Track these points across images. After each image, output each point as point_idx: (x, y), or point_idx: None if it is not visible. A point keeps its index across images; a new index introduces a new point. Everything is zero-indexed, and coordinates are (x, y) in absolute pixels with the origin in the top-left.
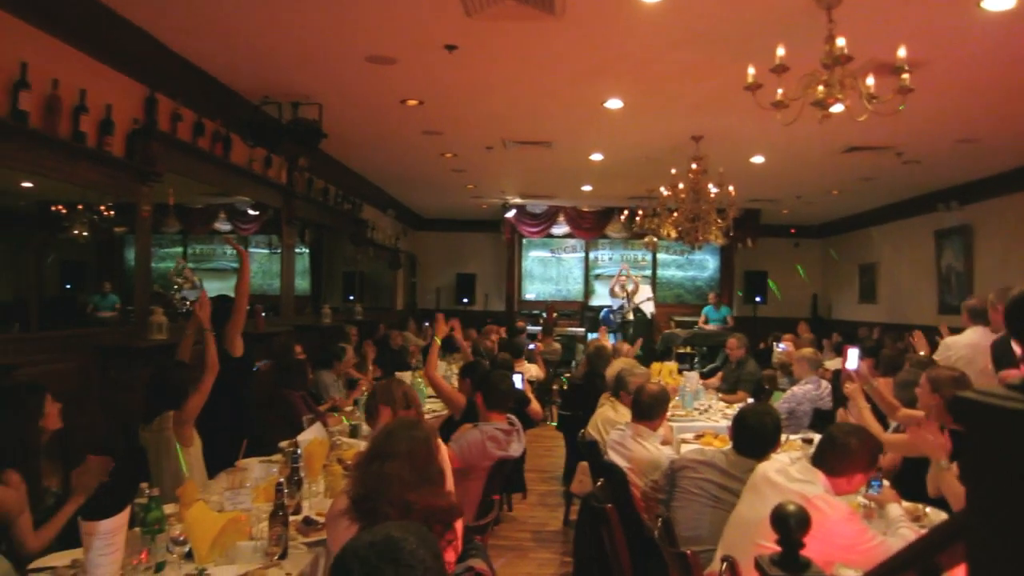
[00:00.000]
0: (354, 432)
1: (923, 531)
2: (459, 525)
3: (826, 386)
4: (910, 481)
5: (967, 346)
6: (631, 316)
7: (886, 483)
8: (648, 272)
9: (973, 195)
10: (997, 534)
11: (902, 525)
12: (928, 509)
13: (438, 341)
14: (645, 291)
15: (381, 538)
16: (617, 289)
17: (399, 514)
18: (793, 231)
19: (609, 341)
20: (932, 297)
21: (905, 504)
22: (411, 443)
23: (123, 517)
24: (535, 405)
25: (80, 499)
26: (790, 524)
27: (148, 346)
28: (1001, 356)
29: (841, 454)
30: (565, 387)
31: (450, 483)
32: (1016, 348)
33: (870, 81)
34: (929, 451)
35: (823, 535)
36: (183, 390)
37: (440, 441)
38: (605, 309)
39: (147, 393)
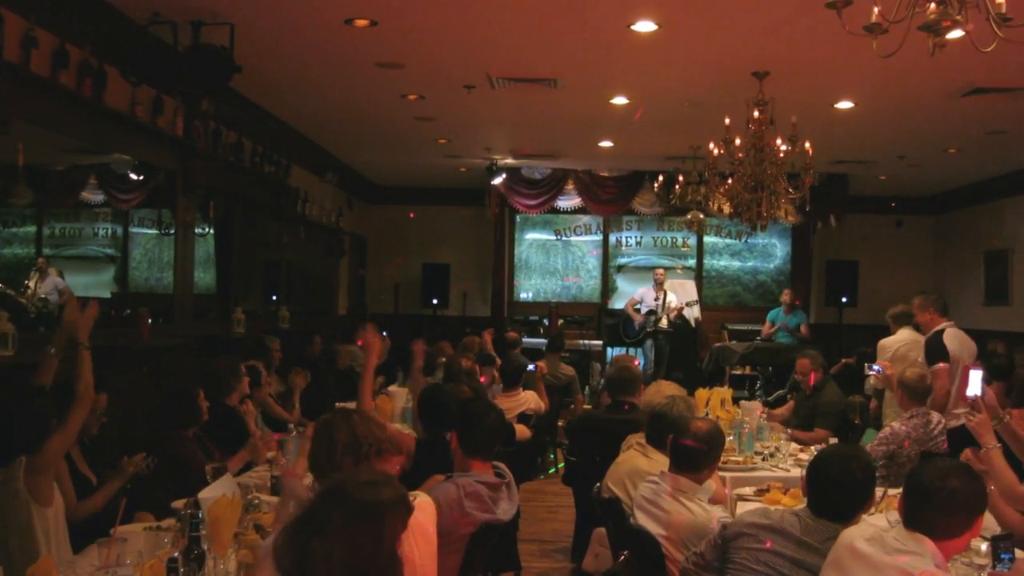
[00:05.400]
0: (277, 487)
1: None
2: None
3: (939, 421)
4: None
5: (901, 343)
6: (664, 324)
7: (1021, 554)
8: (692, 262)
9: None
10: None
11: None
12: None
13: (373, 363)
14: (687, 290)
15: None
16: (651, 294)
17: None
18: (894, 204)
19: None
20: None
21: None
22: (352, 514)
23: None
24: (521, 428)
25: None
26: None
27: None
28: (931, 351)
29: (946, 505)
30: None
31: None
32: (947, 345)
33: None
34: None
35: None
36: (41, 427)
37: (428, 505)
38: (627, 320)
39: None
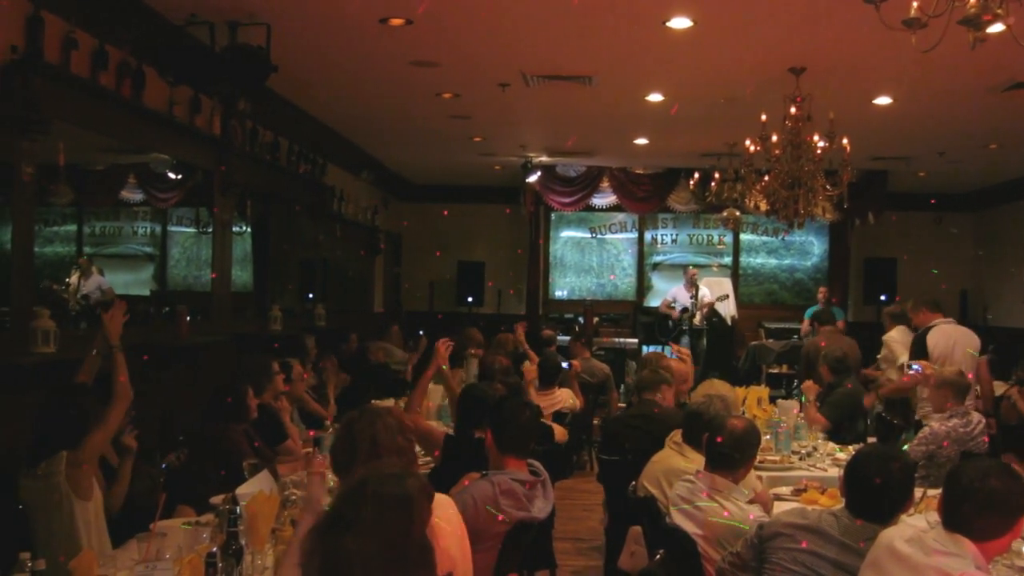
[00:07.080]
0: None
1: None
2: None
3: (979, 420)
4: None
5: (901, 342)
6: (698, 321)
7: None
8: (728, 260)
9: None
10: None
11: None
12: None
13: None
14: (723, 287)
15: None
16: (683, 292)
17: None
18: (934, 201)
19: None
20: None
21: None
22: (381, 507)
23: None
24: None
25: None
26: None
27: (31, 362)
28: (913, 347)
29: (986, 505)
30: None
31: (455, 565)
32: (929, 343)
33: None
34: None
35: None
36: (82, 422)
37: (446, 502)
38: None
39: (34, 427)
